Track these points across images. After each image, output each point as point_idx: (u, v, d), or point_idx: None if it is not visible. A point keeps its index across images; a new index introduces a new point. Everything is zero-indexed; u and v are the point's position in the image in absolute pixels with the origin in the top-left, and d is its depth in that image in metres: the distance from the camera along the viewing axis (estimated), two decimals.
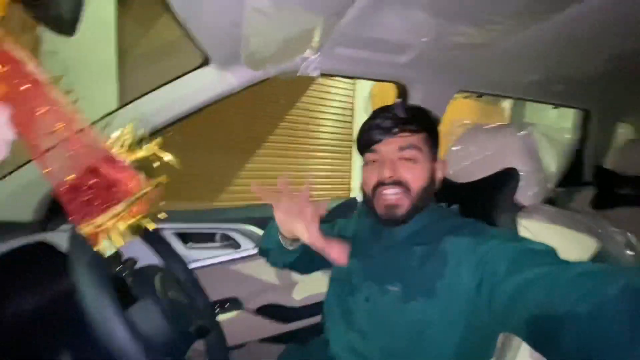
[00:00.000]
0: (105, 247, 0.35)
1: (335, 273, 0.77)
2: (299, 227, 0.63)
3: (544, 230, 0.72)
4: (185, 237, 1.06)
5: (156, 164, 0.34)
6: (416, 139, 0.63)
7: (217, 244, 1.11)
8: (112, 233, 0.34)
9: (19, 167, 0.79)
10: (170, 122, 0.83)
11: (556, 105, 1.57)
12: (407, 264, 0.63)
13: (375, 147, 0.65)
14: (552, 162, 0.78)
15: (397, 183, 0.62)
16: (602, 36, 0.83)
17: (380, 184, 0.63)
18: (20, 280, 0.59)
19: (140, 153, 0.33)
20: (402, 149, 0.62)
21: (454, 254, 0.58)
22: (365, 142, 0.66)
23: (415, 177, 0.62)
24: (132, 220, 0.34)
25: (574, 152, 1.65)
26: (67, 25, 0.36)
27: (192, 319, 0.59)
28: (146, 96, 0.80)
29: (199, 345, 0.65)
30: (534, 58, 0.97)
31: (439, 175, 0.68)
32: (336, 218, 0.88)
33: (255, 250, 1.10)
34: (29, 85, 0.29)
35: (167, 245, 0.76)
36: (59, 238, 0.75)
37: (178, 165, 0.34)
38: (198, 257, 1.05)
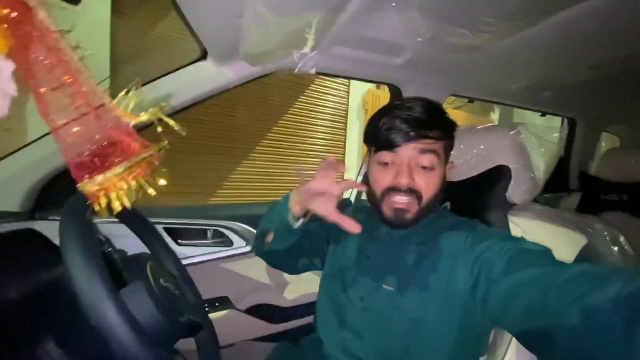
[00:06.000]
0: (106, 208, 0.35)
1: (329, 269, 0.76)
2: (321, 199, 0.57)
3: (533, 226, 0.74)
4: (176, 234, 1.04)
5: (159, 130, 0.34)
6: (437, 145, 0.61)
7: (208, 241, 1.09)
8: (114, 192, 0.33)
9: (4, 156, 0.77)
10: (166, 114, 0.83)
11: (543, 113, 1.62)
12: (403, 263, 0.63)
13: (394, 149, 0.61)
14: (542, 162, 0.80)
15: (411, 191, 0.60)
16: (585, 43, 0.87)
17: (393, 189, 0.61)
18: (6, 266, 0.57)
19: (144, 116, 0.33)
20: (423, 152, 0.60)
21: (450, 252, 0.59)
22: (383, 143, 0.62)
23: (430, 185, 0.61)
24: (133, 182, 0.34)
25: (560, 156, 1.70)
26: None
27: (183, 310, 0.57)
28: (142, 87, 0.80)
29: (188, 344, 0.63)
30: (523, 64, 1.01)
31: (447, 177, 0.67)
32: None
33: (248, 248, 1.09)
34: (38, 33, 0.29)
35: (160, 237, 0.74)
36: (47, 227, 0.73)
37: (183, 132, 0.34)
38: (189, 253, 1.03)
